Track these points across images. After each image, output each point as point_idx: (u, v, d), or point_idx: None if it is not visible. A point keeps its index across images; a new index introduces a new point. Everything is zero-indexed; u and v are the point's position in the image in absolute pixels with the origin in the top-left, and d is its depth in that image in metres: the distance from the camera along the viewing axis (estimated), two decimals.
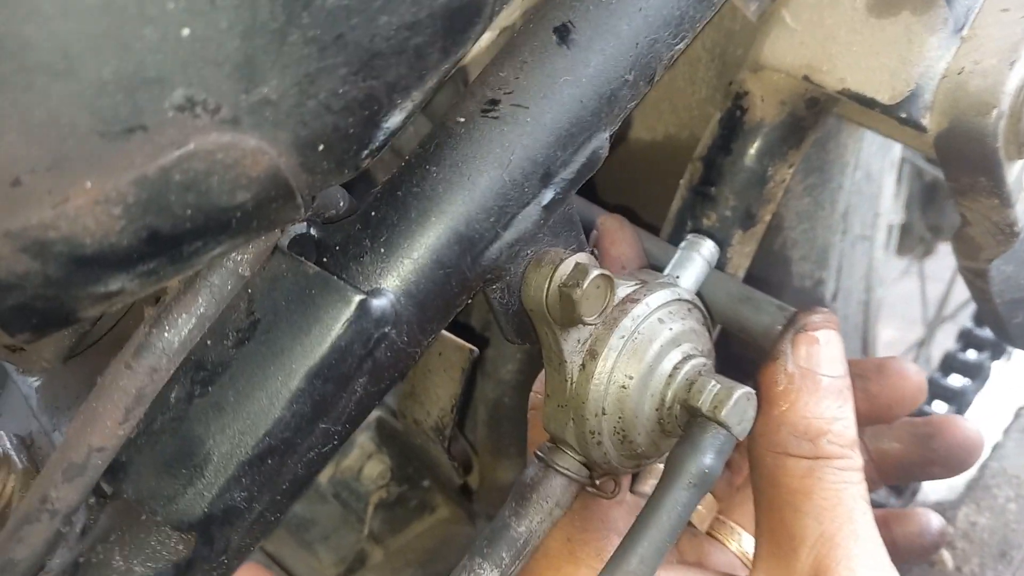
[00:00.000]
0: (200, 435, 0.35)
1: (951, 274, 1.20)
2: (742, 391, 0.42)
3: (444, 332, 0.59)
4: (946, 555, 0.73)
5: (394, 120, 0.32)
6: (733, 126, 0.54)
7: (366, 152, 0.32)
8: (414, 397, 0.59)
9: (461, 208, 0.36)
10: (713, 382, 0.42)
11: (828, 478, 0.44)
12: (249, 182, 0.29)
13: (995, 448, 0.84)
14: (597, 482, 0.47)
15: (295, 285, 0.35)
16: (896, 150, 0.90)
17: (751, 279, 0.58)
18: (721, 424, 0.42)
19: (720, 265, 0.55)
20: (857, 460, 0.45)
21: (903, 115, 0.45)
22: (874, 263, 0.88)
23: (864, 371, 0.51)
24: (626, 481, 0.50)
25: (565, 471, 0.45)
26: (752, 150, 0.54)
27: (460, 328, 0.57)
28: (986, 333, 1.00)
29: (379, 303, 0.35)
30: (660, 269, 0.50)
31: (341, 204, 0.41)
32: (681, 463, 0.42)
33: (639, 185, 0.67)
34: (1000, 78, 0.43)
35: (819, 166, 0.66)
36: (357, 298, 0.35)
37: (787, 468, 0.45)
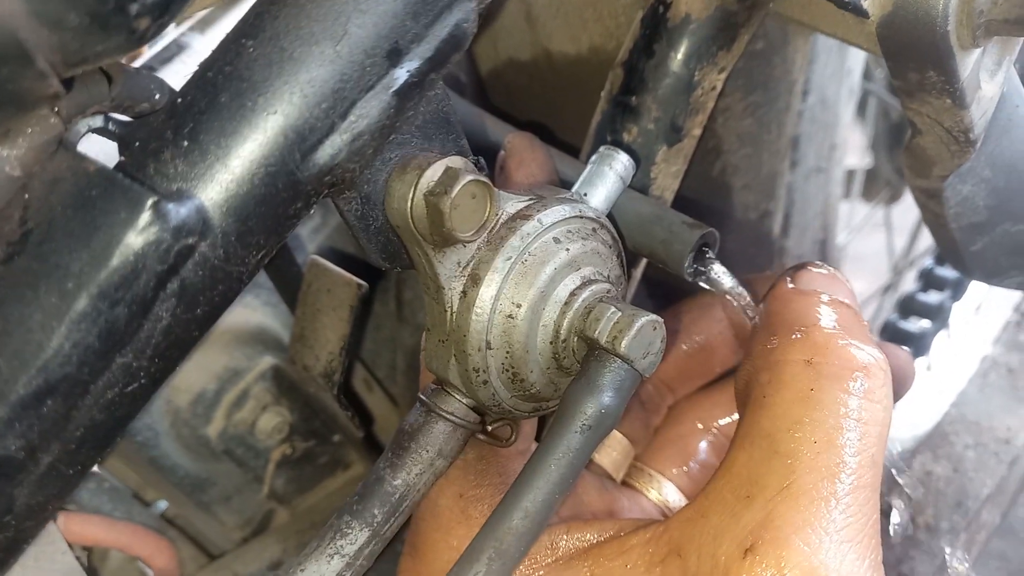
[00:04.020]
0: None
1: (919, 218, 1.14)
2: (647, 319, 0.36)
3: (332, 266, 0.53)
4: (900, 505, 0.68)
5: None
6: (656, 24, 0.47)
7: (136, 5, 0.25)
8: (303, 341, 0.53)
9: (284, 91, 0.29)
10: (613, 309, 0.36)
11: (827, 405, 0.33)
12: None
13: (956, 394, 0.79)
14: (490, 428, 0.41)
15: (75, 187, 0.29)
16: (855, 76, 0.83)
17: (686, 206, 0.51)
18: (621, 357, 0.36)
19: (643, 186, 0.49)
20: (879, 395, 0.34)
21: None
22: (832, 199, 0.82)
23: (758, 287, 0.43)
24: (530, 427, 0.44)
25: (448, 416, 0.39)
26: (677, 51, 0.47)
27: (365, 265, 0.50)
28: (947, 272, 0.95)
29: (179, 208, 0.29)
30: None
31: (156, 96, 0.34)
32: (575, 403, 0.36)
33: (561, 103, 0.60)
34: None
35: (763, 82, 0.60)
36: (148, 200, 0.28)
37: (782, 382, 0.34)
